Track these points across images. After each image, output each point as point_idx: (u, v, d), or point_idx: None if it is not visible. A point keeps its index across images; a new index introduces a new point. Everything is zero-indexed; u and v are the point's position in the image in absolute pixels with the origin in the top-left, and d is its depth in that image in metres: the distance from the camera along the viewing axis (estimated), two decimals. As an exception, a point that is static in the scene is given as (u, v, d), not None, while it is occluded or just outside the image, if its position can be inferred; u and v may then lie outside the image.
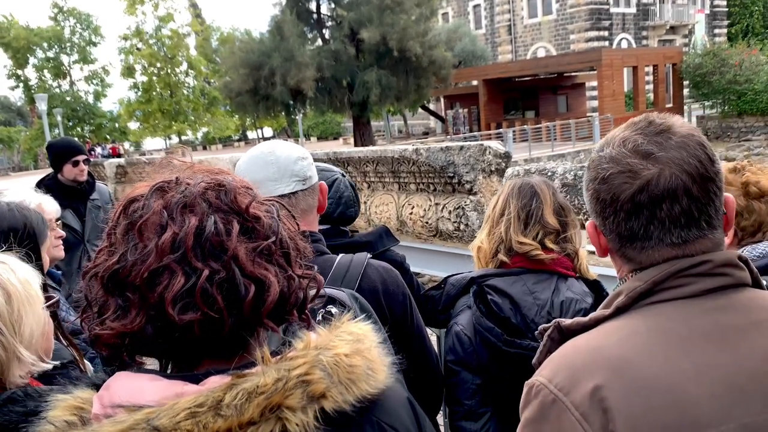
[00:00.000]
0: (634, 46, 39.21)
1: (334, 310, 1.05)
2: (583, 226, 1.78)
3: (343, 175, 2.09)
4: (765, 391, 0.86)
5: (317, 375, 0.80)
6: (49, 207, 2.50)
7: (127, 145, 54.27)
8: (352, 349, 0.85)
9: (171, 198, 0.82)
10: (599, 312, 1.01)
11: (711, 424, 0.84)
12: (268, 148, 1.64)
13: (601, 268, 3.14)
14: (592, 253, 2.56)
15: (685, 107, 34.20)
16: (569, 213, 1.91)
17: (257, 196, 0.88)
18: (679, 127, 0.98)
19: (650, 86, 34.35)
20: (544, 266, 1.83)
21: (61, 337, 1.77)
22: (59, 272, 2.64)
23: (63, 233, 2.57)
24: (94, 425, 0.76)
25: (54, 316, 1.72)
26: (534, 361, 1.04)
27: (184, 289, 0.77)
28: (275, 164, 1.58)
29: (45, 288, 1.88)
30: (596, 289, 1.88)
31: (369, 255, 1.69)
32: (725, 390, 0.86)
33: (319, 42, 32.94)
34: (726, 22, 46.37)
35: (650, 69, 33.24)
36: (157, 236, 0.79)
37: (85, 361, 1.78)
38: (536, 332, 1.09)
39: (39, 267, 1.87)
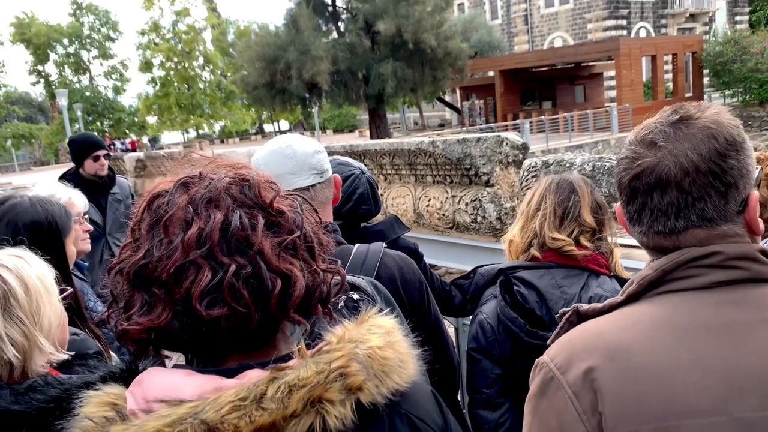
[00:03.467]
0: (652, 34, 38.62)
1: (355, 296, 1.06)
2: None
3: (363, 172, 2.08)
4: (763, 389, 0.85)
5: (355, 367, 0.81)
6: (78, 201, 2.55)
7: (144, 140, 54.76)
8: (384, 342, 0.86)
9: (195, 193, 0.82)
10: (613, 298, 1.03)
11: (700, 414, 0.84)
12: (285, 142, 1.66)
13: (631, 261, 3.12)
14: (625, 246, 2.54)
15: (705, 96, 33.66)
16: (606, 212, 1.88)
17: (280, 191, 0.88)
18: (703, 118, 0.96)
19: (669, 75, 33.85)
20: (576, 262, 1.81)
21: (86, 328, 1.81)
22: (85, 264, 2.69)
23: (90, 227, 2.62)
24: (136, 420, 0.77)
25: (78, 306, 1.76)
26: (549, 341, 1.06)
27: (211, 284, 0.77)
28: (293, 158, 1.60)
29: (70, 280, 1.92)
30: None
31: (384, 244, 1.71)
32: (721, 383, 0.86)
33: (335, 35, 32.89)
34: (747, 9, 45.47)
35: (669, 58, 32.76)
36: (182, 231, 0.79)
37: (111, 351, 1.81)
38: (556, 316, 1.11)
39: (63, 260, 1.91)
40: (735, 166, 0.95)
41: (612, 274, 1.86)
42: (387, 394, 0.83)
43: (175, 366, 0.84)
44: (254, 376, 0.79)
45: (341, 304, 0.95)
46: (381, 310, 0.94)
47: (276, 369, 0.78)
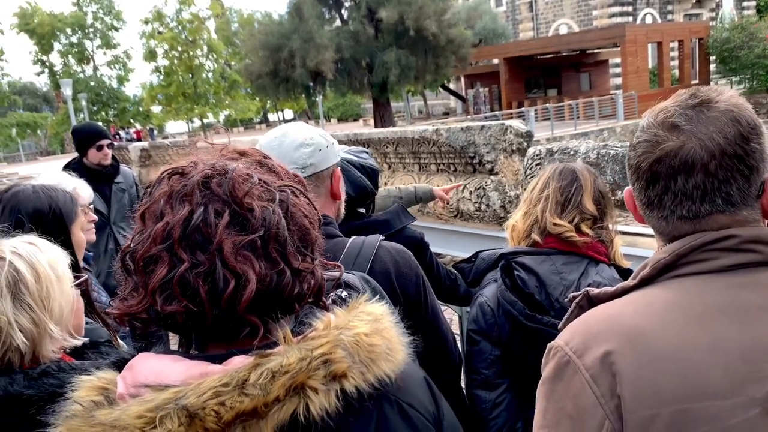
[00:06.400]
0: (659, 21, 38.29)
1: (344, 293, 1.06)
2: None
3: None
4: None
5: (339, 354, 0.81)
6: (84, 191, 2.55)
7: (150, 129, 54.84)
8: (371, 329, 0.86)
9: (174, 186, 0.84)
10: (625, 282, 1.03)
11: (720, 395, 0.84)
12: (282, 131, 1.67)
13: (636, 249, 3.12)
14: (624, 233, 2.54)
15: (712, 83, 33.42)
16: (608, 201, 1.90)
17: (257, 185, 0.85)
18: (723, 101, 0.96)
19: (675, 62, 33.61)
20: (577, 249, 1.83)
21: (95, 316, 1.82)
22: (90, 254, 2.70)
23: (95, 217, 2.63)
24: (121, 404, 0.78)
25: (87, 295, 1.78)
26: (560, 325, 1.06)
27: (165, 279, 0.79)
28: (277, 149, 1.61)
29: (78, 268, 1.93)
30: (627, 277, 1.86)
31: (381, 237, 1.69)
32: (739, 365, 0.86)
33: (338, 23, 32.76)
34: (755, -5, 45.05)
35: (676, 44, 32.51)
36: (153, 224, 0.81)
37: (119, 339, 1.82)
38: (567, 299, 1.11)
39: (69, 247, 1.92)
40: (757, 150, 0.95)
41: (611, 262, 1.87)
42: (374, 381, 0.83)
43: (166, 352, 0.85)
44: (239, 362, 0.79)
45: (329, 301, 0.95)
46: (369, 299, 0.94)
47: (260, 355, 0.79)
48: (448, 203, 3.45)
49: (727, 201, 0.95)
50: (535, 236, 1.86)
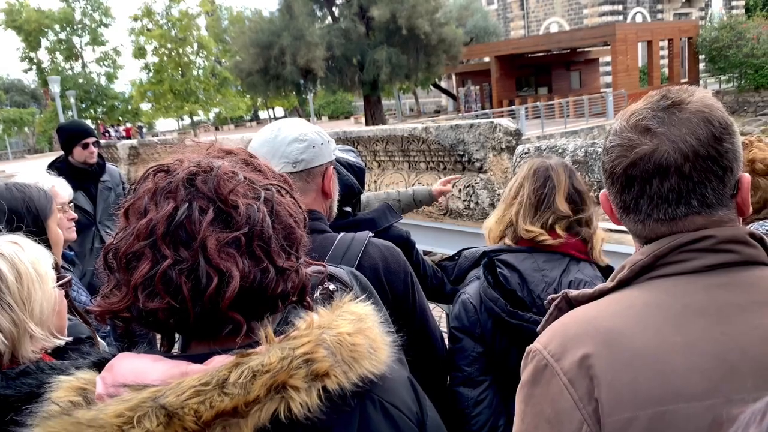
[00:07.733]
0: (649, 20, 38.46)
1: (331, 286, 1.06)
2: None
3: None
4: (757, 370, 0.84)
5: (321, 353, 0.81)
6: (62, 190, 2.54)
7: (139, 127, 54.51)
8: (354, 329, 0.86)
9: (159, 183, 0.83)
10: (604, 284, 1.02)
11: (697, 397, 0.84)
12: (277, 126, 1.68)
13: (616, 245, 3.12)
14: (610, 230, 2.56)
15: (701, 82, 33.68)
16: (587, 199, 1.89)
17: (242, 182, 0.85)
18: (694, 102, 0.96)
19: (665, 61, 33.80)
20: (556, 248, 1.84)
21: (75, 314, 1.81)
22: (72, 253, 2.68)
23: (75, 215, 2.61)
24: (99, 405, 0.77)
25: (65, 295, 1.76)
26: (538, 328, 1.05)
27: (147, 275, 0.78)
28: (270, 143, 1.62)
29: (58, 267, 1.92)
30: (608, 274, 1.88)
31: (371, 234, 1.69)
32: (715, 365, 0.85)
33: (329, 20, 32.70)
34: (744, -6, 45.36)
35: (665, 43, 32.70)
36: (137, 221, 0.81)
37: (98, 338, 1.81)
38: (545, 302, 1.10)
39: (47, 243, 1.91)
40: (730, 150, 0.95)
41: (593, 260, 1.89)
42: (356, 381, 0.83)
43: (146, 351, 0.84)
44: (219, 361, 0.79)
45: (317, 294, 0.95)
46: (355, 295, 0.94)
47: (241, 354, 0.78)
48: (445, 195, 3.46)
49: (702, 202, 0.95)
50: (508, 240, 1.89)
